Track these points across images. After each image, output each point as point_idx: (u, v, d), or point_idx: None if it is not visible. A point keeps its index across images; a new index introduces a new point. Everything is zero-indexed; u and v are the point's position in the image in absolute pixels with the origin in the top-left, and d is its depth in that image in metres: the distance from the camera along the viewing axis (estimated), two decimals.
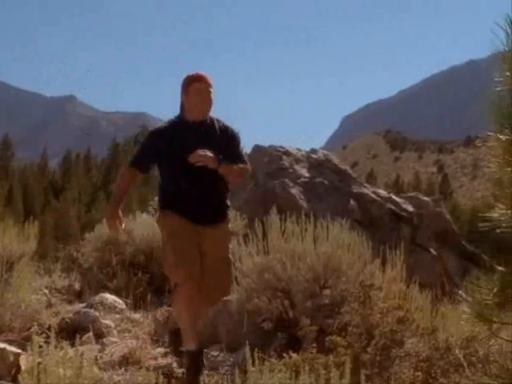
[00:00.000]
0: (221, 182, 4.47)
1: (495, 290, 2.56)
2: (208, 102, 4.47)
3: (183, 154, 4.31)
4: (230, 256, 4.69)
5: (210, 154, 4.29)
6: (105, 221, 8.96)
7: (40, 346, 3.38)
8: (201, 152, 4.26)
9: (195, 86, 4.42)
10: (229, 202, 4.67)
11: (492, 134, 2.56)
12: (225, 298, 4.73)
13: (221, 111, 4.77)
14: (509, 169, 2.57)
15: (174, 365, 4.91)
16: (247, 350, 3.05)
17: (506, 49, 2.48)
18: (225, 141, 4.46)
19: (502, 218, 2.54)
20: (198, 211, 4.42)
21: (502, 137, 2.53)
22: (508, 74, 2.50)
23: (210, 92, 4.45)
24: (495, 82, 2.54)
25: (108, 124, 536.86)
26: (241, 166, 4.48)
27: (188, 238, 4.36)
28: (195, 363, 4.22)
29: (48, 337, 5.23)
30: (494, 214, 2.55)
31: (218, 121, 4.56)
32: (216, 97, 4.54)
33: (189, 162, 4.28)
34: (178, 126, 4.53)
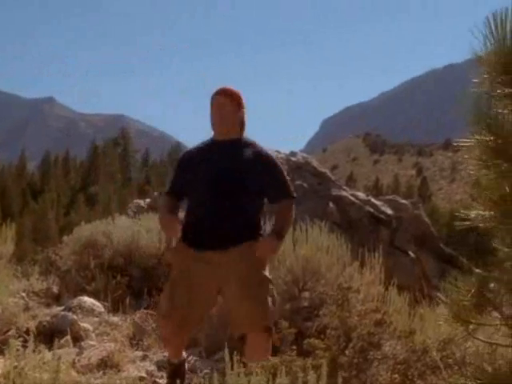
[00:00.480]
0: (248, 211, 3.99)
1: (473, 291, 2.58)
2: (226, 118, 4.00)
3: (205, 179, 3.96)
4: (267, 275, 4.02)
5: (273, 244, 3.94)
6: (83, 224, 8.94)
7: (17, 350, 3.35)
8: (268, 246, 3.91)
9: (214, 100, 4.04)
10: (260, 225, 4.08)
11: (470, 135, 2.59)
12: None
13: None
14: (486, 170, 2.59)
15: (153, 368, 4.89)
16: (226, 352, 3.05)
17: (484, 51, 2.51)
18: (258, 168, 3.95)
19: (480, 219, 2.56)
20: (214, 236, 3.93)
21: (479, 138, 2.56)
22: (485, 76, 2.53)
23: (228, 106, 4.01)
24: (473, 84, 2.56)
25: (87, 126, 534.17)
26: (284, 215, 4.02)
27: (194, 290, 3.91)
28: (176, 374, 4.16)
29: (25, 340, 5.20)
30: (472, 214, 2.57)
31: (251, 144, 4.07)
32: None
33: (210, 189, 3.94)
34: (206, 148, 4.12)
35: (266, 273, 3.95)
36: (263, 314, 3.80)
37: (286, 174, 4.16)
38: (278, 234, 3.96)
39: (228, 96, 4.03)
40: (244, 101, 4.10)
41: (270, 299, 3.86)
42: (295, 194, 4.16)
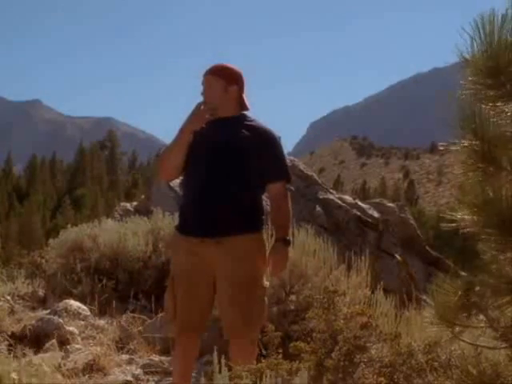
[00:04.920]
0: (247, 191, 3.74)
1: (459, 294, 2.59)
2: (214, 97, 3.78)
3: (200, 154, 3.74)
4: (265, 281, 3.83)
5: (284, 254, 3.71)
6: (69, 227, 8.89)
7: (2, 354, 3.33)
8: (280, 260, 3.69)
9: (205, 79, 3.84)
10: (261, 208, 3.84)
11: (456, 139, 2.60)
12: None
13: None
14: (471, 174, 2.61)
15: (139, 372, 4.88)
16: (215, 356, 3.05)
17: (470, 54, 2.52)
18: (258, 146, 3.72)
19: (465, 222, 2.58)
20: (207, 221, 3.68)
21: (464, 142, 2.57)
22: (471, 79, 2.54)
23: (214, 84, 3.78)
24: (459, 87, 2.57)
25: (74, 128, 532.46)
26: (283, 208, 3.77)
27: (193, 283, 3.73)
28: None
29: (11, 344, 5.18)
30: (458, 216, 2.59)
31: (253, 121, 3.84)
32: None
33: (208, 167, 3.72)
34: (206, 124, 3.83)
35: (261, 273, 3.76)
36: (248, 324, 3.66)
37: (285, 155, 3.98)
38: (284, 238, 3.71)
39: (215, 74, 3.82)
40: (239, 76, 3.88)
41: (259, 304, 3.72)
42: (291, 178, 3.95)
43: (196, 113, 3.74)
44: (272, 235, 4.14)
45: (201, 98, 3.86)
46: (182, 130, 3.76)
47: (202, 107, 3.77)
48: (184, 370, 3.89)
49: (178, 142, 3.78)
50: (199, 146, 3.76)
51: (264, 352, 3.50)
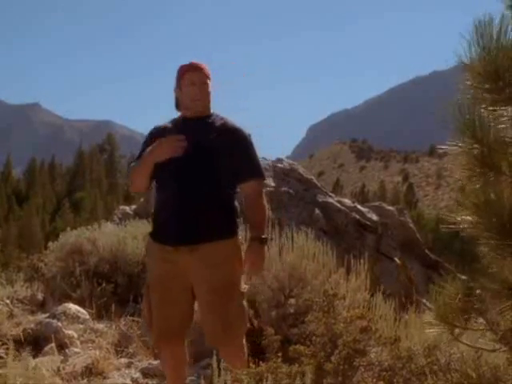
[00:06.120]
0: (219, 193, 3.65)
1: (459, 296, 2.59)
2: (207, 95, 3.75)
3: (173, 158, 3.58)
4: (243, 285, 3.71)
5: (260, 254, 3.60)
6: (68, 230, 8.88)
7: (1, 358, 3.33)
8: (256, 259, 3.58)
9: (188, 77, 3.73)
10: (235, 210, 3.75)
11: (454, 143, 2.60)
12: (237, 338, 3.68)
13: None
14: (471, 178, 2.61)
15: (138, 375, 4.88)
16: (214, 359, 3.05)
17: (469, 58, 2.52)
18: (229, 145, 3.64)
19: (465, 224, 2.58)
20: (180, 228, 3.58)
21: (463, 146, 2.57)
22: (470, 83, 2.55)
23: (206, 83, 3.74)
24: (458, 91, 2.57)
25: (73, 132, 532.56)
26: (258, 203, 3.66)
27: (167, 289, 3.65)
28: None
29: (9, 348, 5.17)
30: (458, 218, 2.59)
31: (223, 119, 3.77)
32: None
33: (179, 169, 3.61)
34: (177, 125, 3.80)
35: (239, 278, 3.66)
36: (227, 330, 3.56)
37: (257, 154, 3.81)
38: (259, 237, 3.60)
39: (203, 72, 3.76)
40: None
41: (238, 309, 3.61)
42: (265, 176, 3.87)
43: (164, 146, 3.61)
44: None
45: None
46: (146, 161, 3.67)
47: (191, 108, 3.74)
48: (175, 376, 3.84)
49: (143, 170, 3.69)
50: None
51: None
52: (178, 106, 3.86)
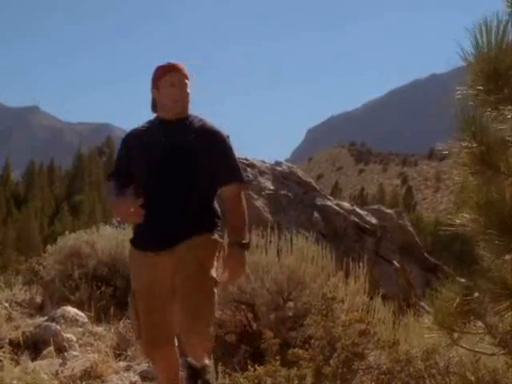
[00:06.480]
0: (198, 194, 3.57)
1: (458, 300, 2.59)
2: (187, 97, 3.66)
3: (151, 161, 3.55)
4: (213, 274, 3.54)
5: (240, 259, 3.51)
6: (67, 233, 8.89)
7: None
8: (235, 263, 3.49)
9: (168, 78, 3.63)
10: (214, 211, 3.65)
11: (455, 143, 2.61)
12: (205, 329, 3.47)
13: None
14: (471, 178, 2.61)
15: (137, 378, 4.87)
16: (212, 363, 3.05)
17: (469, 59, 2.53)
18: (208, 147, 3.56)
19: (465, 223, 2.58)
20: (158, 234, 3.54)
21: (464, 145, 2.58)
22: (470, 83, 2.55)
23: (186, 84, 3.66)
24: (458, 92, 2.58)
25: (72, 135, 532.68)
26: (238, 209, 3.56)
27: (153, 296, 3.57)
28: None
29: (8, 351, 5.16)
30: (457, 220, 2.59)
31: (201, 121, 3.68)
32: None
33: (156, 173, 3.55)
34: (153, 127, 3.70)
35: (212, 267, 3.52)
36: (196, 316, 3.39)
37: (236, 157, 3.68)
38: (240, 242, 3.49)
39: (183, 72, 3.67)
40: None
41: (207, 295, 3.45)
42: (245, 179, 3.73)
43: (122, 210, 3.55)
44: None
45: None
46: (112, 203, 3.63)
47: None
48: (168, 378, 3.74)
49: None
50: (152, 151, 3.59)
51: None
52: (154, 108, 3.75)
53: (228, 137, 3.67)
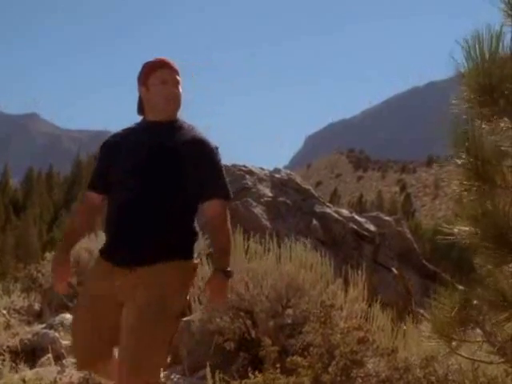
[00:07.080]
0: (184, 201, 3.21)
1: (456, 308, 2.59)
2: (176, 95, 3.29)
3: (136, 164, 3.21)
4: (179, 311, 3.18)
5: (223, 286, 3.18)
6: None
7: None
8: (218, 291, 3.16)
9: (158, 75, 3.27)
10: (190, 234, 3.27)
11: (450, 158, 2.61)
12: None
13: None
14: (466, 192, 2.61)
15: None
16: (208, 370, 3.04)
17: (463, 72, 2.54)
18: (196, 155, 3.21)
19: (462, 234, 2.58)
20: (121, 247, 3.18)
21: (458, 161, 2.58)
22: (464, 95, 2.56)
23: (178, 81, 3.31)
24: (453, 105, 2.58)
25: (71, 141, 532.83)
26: (221, 238, 3.20)
27: (95, 313, 3.21)
28: None
29: (8, 359, 5.15)
30: (455, 230, 2.59)
31: (191, 127, 3.32)
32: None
33: (132, 182, 3.20)
34: (139, 129, 3.36)
35: (175, 302, 3.14)
36: (134, 369, 2.99)
37: (224, 172, 3.31)
38: (224, 269, 3.15)
39: (175, 68, 3.33)
40: None
41: (160, 339, 3.06)
42: (231, 196, 3.32)
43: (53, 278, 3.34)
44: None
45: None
46: (53, 258, 3.46)
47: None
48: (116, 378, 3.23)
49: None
50: (130, 157, 3.25)
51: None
52: (140, 109, 3.39)
53: (217, 148, 3.32)
